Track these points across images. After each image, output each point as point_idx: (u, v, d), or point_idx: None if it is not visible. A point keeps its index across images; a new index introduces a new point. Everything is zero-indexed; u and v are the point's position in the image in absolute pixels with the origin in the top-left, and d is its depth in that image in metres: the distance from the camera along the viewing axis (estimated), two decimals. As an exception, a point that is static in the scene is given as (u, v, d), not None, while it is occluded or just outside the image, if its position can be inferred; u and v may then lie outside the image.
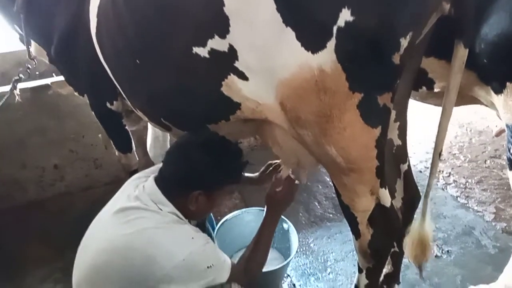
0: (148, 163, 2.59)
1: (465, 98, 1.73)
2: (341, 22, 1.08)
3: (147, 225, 1.34)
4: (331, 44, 1.11)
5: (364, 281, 1.65)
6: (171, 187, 1.42)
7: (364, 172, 1.35)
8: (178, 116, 1.61)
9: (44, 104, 2.68)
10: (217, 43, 1.29)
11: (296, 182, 1.72)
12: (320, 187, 2.95)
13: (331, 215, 2.69)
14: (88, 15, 1.75)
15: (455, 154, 3.36)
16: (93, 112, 2.18)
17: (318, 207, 2.76)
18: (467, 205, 2.74)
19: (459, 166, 3.20)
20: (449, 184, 2.98)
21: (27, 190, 2.87)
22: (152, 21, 1.38)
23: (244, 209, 2.26)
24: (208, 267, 1.35)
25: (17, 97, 2.49)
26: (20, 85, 2.59)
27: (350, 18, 1.06)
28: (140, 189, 1.44)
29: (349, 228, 2.53)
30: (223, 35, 1.27)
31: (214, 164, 1.41)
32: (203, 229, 1.86)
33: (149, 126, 2.48)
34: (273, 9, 1.15)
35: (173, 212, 1.40)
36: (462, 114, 3.86)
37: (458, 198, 2.83)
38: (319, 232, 2.53)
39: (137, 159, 2.43)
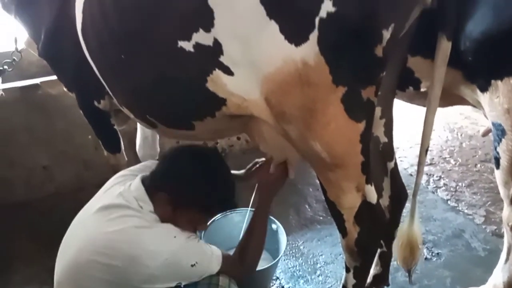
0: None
1: (452, 97, 1.73)
2: (323, 13, 1.07)
3: (130, 224, 1.32)
4: (314, 36, 1.11)
5: (351, 280, 1.62)
6: (153, 185, 1.40)
7: (349, 168, 1.34)
8: (163, 112, 1.59)
9: (33, 104, 2.66)
10: (202, 37, 1.28)
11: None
12: (310, 189, 2.93)
13: (321, 218, 2.67)
14: (74, 10, 1.74)
15: (445, 158, 3.37)
16: (81, 111, 2.16)
17: (309, 209, 2.75)
18: (458, 208, 2.74)
19: (450, 170, 3.20)
20: (440, 187, 2.98)
21: (15, 189, 2.83)
22: (137, 14, 1.37)
23: (232, 209, 2.23)
24: (192, 265, 1.33)
25: (0, 92, 2.47)
26: (9, 84, 2.59)
27: (332, 9, 1.06)
28: (126, 187, 1.42)
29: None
30: (207, 29, 1.26)
31: (195, 175, 1.39)
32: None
33: (139, 126, 2.47)
34: (257, 2, 1.15)
35: (152, 211, 1.38)
36: (452, 118, 3.89)
37: (449, 201, 2.83)
38: (309, 235, 2.51)
39: (126, 159, 2.41)
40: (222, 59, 1.30)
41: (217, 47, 1.28)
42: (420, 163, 1.40)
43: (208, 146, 1.53)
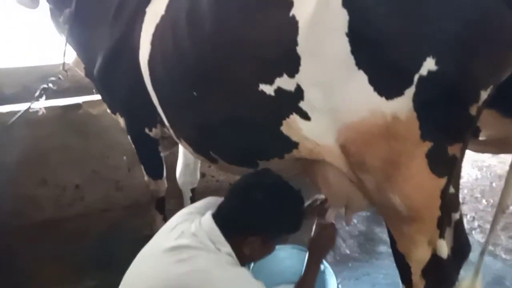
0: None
1: (510, 146, 1.72)
2: (424, 71, 1.06)
3: (203, 265, 1.28)
4: (410, 91, 1.10)
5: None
6: (230, 226, 1.37)
7: (426, 222, 1.32)
8: (230, 151, 1.58)
9: (72, 123, 2.66)
10: (285, 82, 1.28)
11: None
12: (344, 223, 2.88)
13: (357, 255, 2.63)
14: (137, 40, 1.74)
15: (477, 197, 3.33)
16: (129, 136, 2.15)
17: (344, 245, 2.70)
18: (495, 252, 2.68)
19: (483, 211, 3.15)
20: (474, 229, 2.93)
21: (44, 208, 2.80)
22: (219, 55, 1.37)
23: (278, 246, 2.19)
24: (259, 313, 1.29)
25: (42, 110, 2.46)
26: (50, 102, 2.59)
27: (434, 68, 1.05)
28: (196, 225, 1.38)
29: (376, 270, 2.50)
30: (292, 74, 1.26)
31: (278, 211, 1.37)
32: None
33: (180, 153, 2.45)
34: (347, 51, 1.15)
35: (229, 253, 1.35)
36: (480, 156, 3.85)
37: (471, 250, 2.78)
38: (346, 273, 2.46)
39: (166, 186, 2.39)
40: (302, 104, 1.30)
41: (298, 93, 1.28)
42: (494, 223, 1.37)
43: (271, 172, 1.50)
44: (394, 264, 2.61)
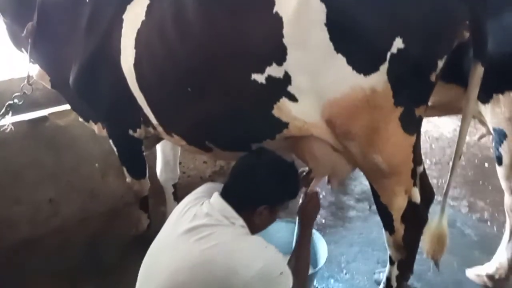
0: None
1: (453, 110, 2.06)
2: (394, 49, 1.31)
3: (223, 239, 1.42)
4: (384, 67, 1.34)
5: (395, 272, 1.86)
6: (240, 202, 1.51)
7: (403, 174, 1.59)
8: (224, 138, 1.73)
9: (41, 137, 2.61)
10: (274, 70, 1.46)
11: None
12: (314, 197, 3.15)
13: (331, 222, 2.90)
14: (116, 46, 1.81)
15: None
16: (110, 140, 2.20)
17: (319, 216, 2.95)
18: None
19: (428, 169, 3.58)
20: (424, 185, 3.34)
21: (19, 227, 2.73)
22: (211, 53, 1.51)
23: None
24: (280, 273, 1.45)
25: (10, 126, 2.42)
26: (16, 118, 2.53)
27: (402, 46, 1.30)
28: (207, 205, 1.51)
29: (351, 232, 2.78)
30: (280, 63, 1.45)
31: (280, 182, 1.53)
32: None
33: (159, 151, 2.53)
34: (327, 39, 1.36)
35: (242, 225, 1.50)
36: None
37: (435, 196, 3.18)
38: (325, 238, 2.66)
39: (149, 185, 2.46)
40: (290, 88, 1.49)
41: (286, 78, 1.47)
42: (453, 168, 1.65)
43: (267, 149, 1.66)
44: (365, 225, 2.94)
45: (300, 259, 1.73)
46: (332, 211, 3.02)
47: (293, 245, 1.94)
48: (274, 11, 1.40)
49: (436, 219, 1.80)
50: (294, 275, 1.59)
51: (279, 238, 2.20)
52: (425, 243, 1.79)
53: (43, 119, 2.60)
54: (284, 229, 2.27)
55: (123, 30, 1.79)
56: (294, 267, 1.66)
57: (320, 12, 1.34)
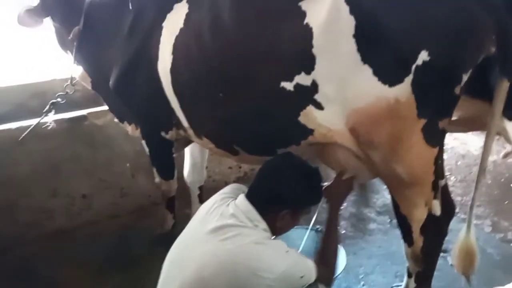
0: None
1: (478, 125, 2.06)
2: (419, 61, 1.36)
3: (247, 241, 1.48)
4: (409, 79, 1.39)
5: (412, 284, 1.87)
6: (264, 205, 1.56)
7: (424, 186, 1.61)
8: (253, 142, 1.81)
9: (79, 134, 2.78)
10: (302, 78, 1.54)
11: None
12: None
13: (351, 233, 2.91)
14: (154, 52, 1.94)
15: (446, 175, 3.72)
16: (143, 141, 2.32)
17: (339, 226, 2.97)
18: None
19: (453, 186, 3.54)
20: (448, 201, 3.30)
21: (55, 218, 2.89)
22: (243, 61, 1.61)
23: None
24: (301, 277, 1.50)
25: (52, 123, 2.58)
26: (57, 116, 2.71)
27: (427, 58, 1.35)
28: (233, 206, 1.57)
29: (370, 244, 2.79)
30: (308, 72, 1.52)
31: (305, 186, 1.58)
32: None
33: (187, 153, 2.63)
34: (355, 50, 1.42)
35: (265, 229, 1.56)
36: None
37: (458, 213, 3.14)
38: (344, 249, 2.72)
39: (176, 185, 2.57)
40: (317, 96, 1.56)
41: (314, 87, 1.54)
42: (478, 182, 1.66)
43: (292, 154, 1.72)
44: (385, 238, 2.93)
45: (328, 245, 1.74)
46: (353, 223, 3.03)
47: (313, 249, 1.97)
48: (305, 22, 1.49)
49: (463, 235, 1.78)
50: (322, 262, 1.63)
51: (300, 245, 2.24)
52: (454, 258, 1.79)
53: (82, 118, 2.77)
54: (305, 236, 2.31)
55: (162, 37, 1.91)
56: (321, 254, 1.69)
57: (349, 24, 1.41)
